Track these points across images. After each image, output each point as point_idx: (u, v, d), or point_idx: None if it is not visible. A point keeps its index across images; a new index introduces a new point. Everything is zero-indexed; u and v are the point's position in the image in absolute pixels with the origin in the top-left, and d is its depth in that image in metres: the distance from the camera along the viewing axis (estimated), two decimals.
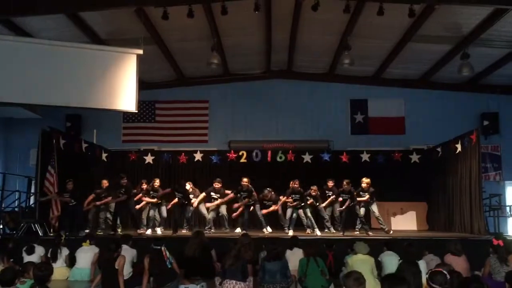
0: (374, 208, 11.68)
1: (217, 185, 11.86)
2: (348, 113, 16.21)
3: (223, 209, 11.90)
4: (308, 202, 11.86)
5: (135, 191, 12.01)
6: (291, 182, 11.86)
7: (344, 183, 11.91)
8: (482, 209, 11.32)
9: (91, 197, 11.57)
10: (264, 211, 11.80)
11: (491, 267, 7.07)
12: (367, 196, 11.48)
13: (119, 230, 11.60)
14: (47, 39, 10.47)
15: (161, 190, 11.95)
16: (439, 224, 13.56)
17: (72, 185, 11.37)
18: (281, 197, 11.91)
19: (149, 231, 11.47)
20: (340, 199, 11.98)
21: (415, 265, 5.95)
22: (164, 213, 11.96)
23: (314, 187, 12.04)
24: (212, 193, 11.87)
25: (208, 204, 11.85)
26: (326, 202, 12.09)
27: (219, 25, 11.96)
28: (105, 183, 11.79)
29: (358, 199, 11.55)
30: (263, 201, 11.90)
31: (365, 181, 11.58)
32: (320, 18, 11.61)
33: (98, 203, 11.52)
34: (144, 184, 12.06)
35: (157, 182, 11.98)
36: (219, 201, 11.78)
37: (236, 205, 11.91)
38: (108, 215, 11.82)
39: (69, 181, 11.36)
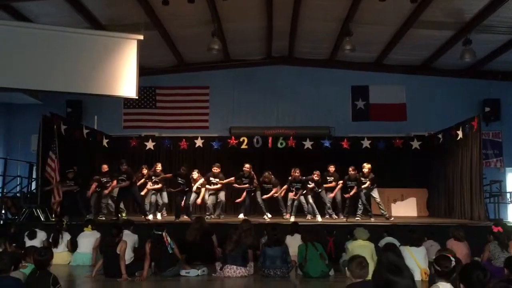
0: (375, 194, 11.68)
1: (215, 169, 11.87)
2: (349, 100, 16.18)
3: (222, 195, 11.90)
4: (310, 187, 11.85)
5: (137, 176, 11.99)
6: (292, 171, 11.83)
7: (350, 169, 11.84)
8: (482, 196, 11.33)
9: (94, 185, 11.60)
10: (265, 196, 11.81)
11: (491, 252, 7.11)
12: (368, 183, 11.43)
13: (123, 214, 11.59)
14: (47, 24, 10.42)
15: (163, 174, 11.97)
16: (439, 210, 13.60)
17: (73, 174, 11.44)
18: (284, 187, 11.92)
19: (150, 216, 11.49)
20: (340, 184, 12.01)
21: (397, 252, 6.05)
22: (166, 199, 12.03)
23: (317, 172, 12.06)
24: (211, 178, 11.88)
25: (207, 187, 11.80)
26: (326, 186, 12.12)
27: (219, 11, 11.88)
28: (105, 167, 11.81)
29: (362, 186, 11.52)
30: (263, 184, 11.87)
31: (366, 166, 11.54)
32: (321, 4, 11.55)
33: (106, 191, 11.51)
34: (144, 170, 12.06)
35: (159, 167, 12.02)
36: (219, 185, 11.78)
37: (236, 186, 12.00)
38: (110, 201, 11.86)
39: (69, 171, 11.43)
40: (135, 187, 11.50)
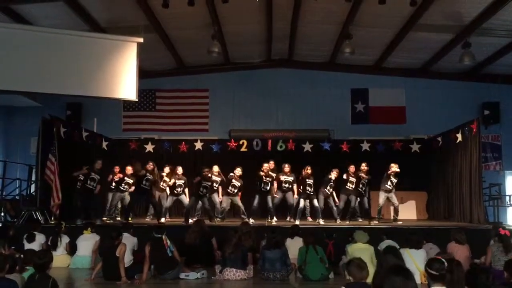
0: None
1: (238, 172, 11.61)
2: (348, 102, 16.20)
3: (237, 200, 11.64)
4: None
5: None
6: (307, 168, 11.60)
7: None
8: (481, 199, 11.30)
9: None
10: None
11: (492, 254, 7.09)
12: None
13: (129, 219, 11.53)
14: (46, 27, 10.44)
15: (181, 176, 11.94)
16: (439, 213, 13.59)
17: (101, 165, 11.49)
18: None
19: (163, 219, 11.47)
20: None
21: (398, 255, 6.04)
22: (186, 201, 11.88)
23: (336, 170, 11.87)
24: (233, 181, 11.56)
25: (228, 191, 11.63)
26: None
27: (219, 13, 11.89)
28: (129, 169, 11.76)
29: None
30: (281, 176, 11.59)
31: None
32: (321, 7, 11.56)
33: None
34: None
35: (179, 170, 11.94)
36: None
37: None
38: (119, 205, 11.93)
39: (100, 160, 11.56)
40: (153, 189, 11.56)
